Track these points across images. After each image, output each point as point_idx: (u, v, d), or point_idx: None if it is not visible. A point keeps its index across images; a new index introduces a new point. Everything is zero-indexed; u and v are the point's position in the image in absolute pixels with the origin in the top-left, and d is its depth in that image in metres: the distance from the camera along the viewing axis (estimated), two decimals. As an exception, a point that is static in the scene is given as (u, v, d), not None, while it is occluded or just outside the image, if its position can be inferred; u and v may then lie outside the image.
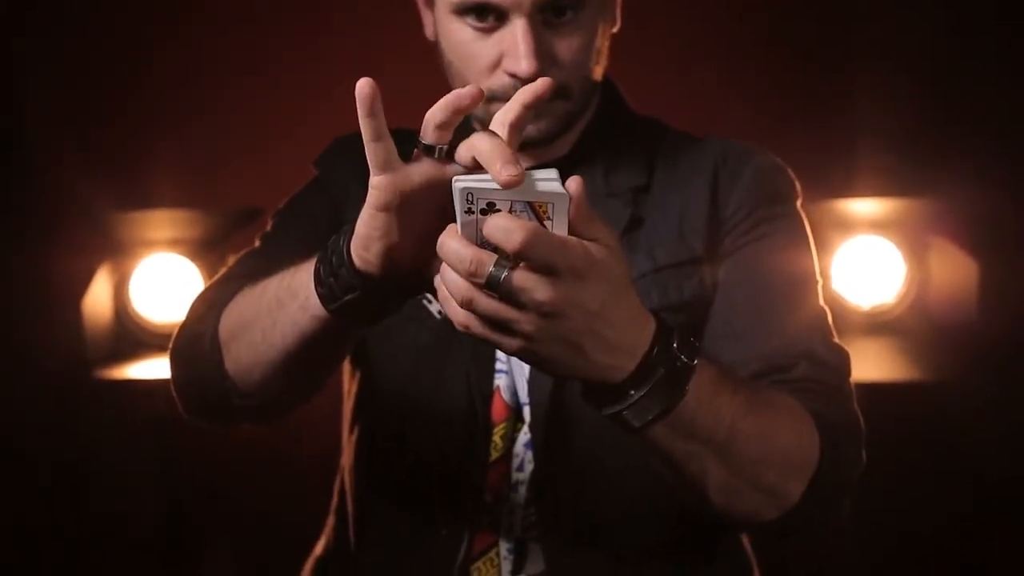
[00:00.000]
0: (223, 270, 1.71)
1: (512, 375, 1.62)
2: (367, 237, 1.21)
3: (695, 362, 1.18)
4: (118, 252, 2.93)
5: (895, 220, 2.94)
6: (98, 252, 2.90)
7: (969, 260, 2.85)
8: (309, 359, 1.43)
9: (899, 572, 2.91)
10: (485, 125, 1.65)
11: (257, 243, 1.77)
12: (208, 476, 2.90)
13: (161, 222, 2.92)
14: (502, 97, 1.58)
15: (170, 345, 1.60)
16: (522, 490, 1.62)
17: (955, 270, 2.88)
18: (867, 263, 2.92)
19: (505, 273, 1.08)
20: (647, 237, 1.65)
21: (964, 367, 2.76)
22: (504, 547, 1.62)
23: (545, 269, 1.07)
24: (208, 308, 1.55)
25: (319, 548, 1.83)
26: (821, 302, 1.63)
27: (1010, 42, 2.78)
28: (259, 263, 1.68)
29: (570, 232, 1.11)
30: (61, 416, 2.84)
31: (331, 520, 1.82)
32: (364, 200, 1.71)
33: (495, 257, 1.08)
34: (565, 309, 1.09)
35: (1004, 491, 2.81)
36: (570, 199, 1.11)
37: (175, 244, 2.93)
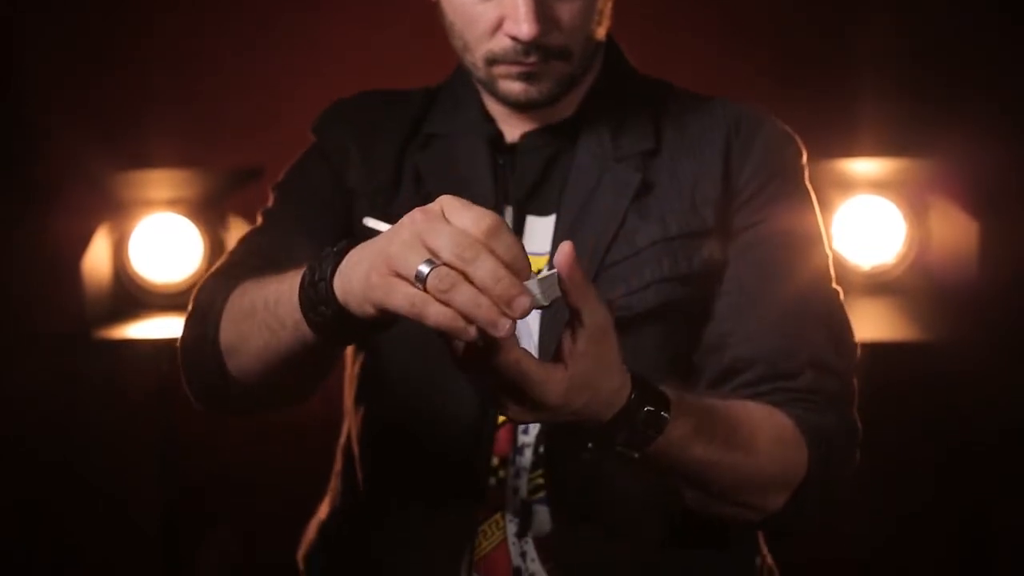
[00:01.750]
0: (225, 256, 1.71)
1: (518, 338, 1.61)
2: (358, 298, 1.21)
3: (659, 430, 1.28)
4: (117, 212, 2.92)
5: (895, 180, 2.93)
6: (97, 212, 2.89)
7: (969, 220, 2.84)
8: (310, 368, 1.50)
9: (897, 531, 2.92)
10: (488, 88, 1.65)
11: (259, 220, 1.77)
12: (208, 435, 2.91)
13: (160, 181, 2.91)
14: (503, 60, 1.59)
15: (179, 338, 1.61)
16: (528, 453, 1.62)
17: (955, 230, 2.87)
18: (867, 223, 2.91)
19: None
20: (658, 204, 1.64)
21: (964, 327, 2.76)
22: (510, 509, 1.62)
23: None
24: (210, 304, 1.55)
25: (323, 511, 1.83)
26: (833, 284, 1.65)
27: (1011, 1, 2.77)
28: (262, 244, 1.69)
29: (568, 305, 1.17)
30: (60, 376, 2.84)
31: (335, 483, 1.82)
32: (363, 164, 1.71)
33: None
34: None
35: (1003, 450, 2.82)
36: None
37: (174, 204, 2.92)
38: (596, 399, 1.23)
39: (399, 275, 1.12)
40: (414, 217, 1.13)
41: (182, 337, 1.60)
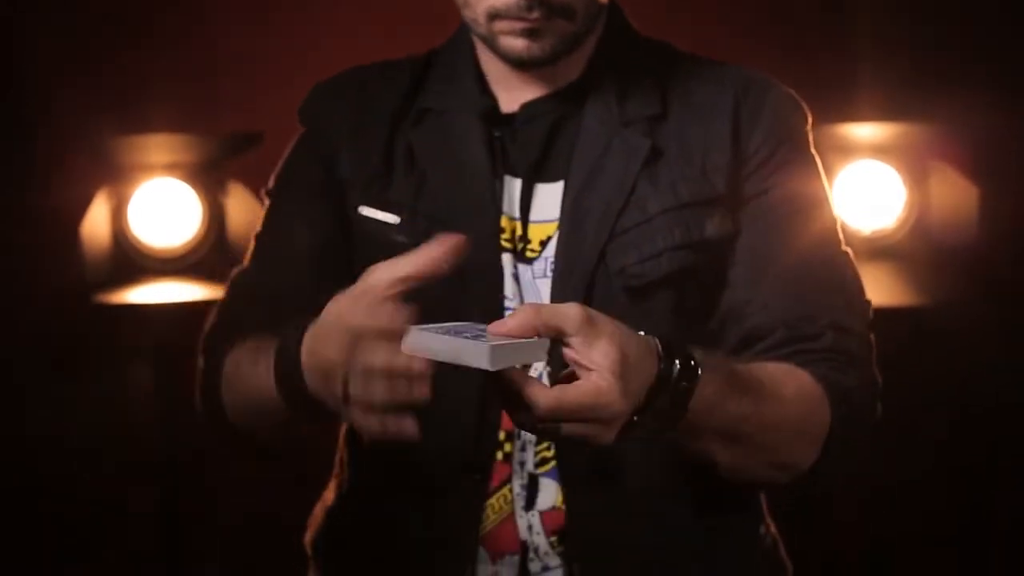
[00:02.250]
0: (222, 302, 1.71)
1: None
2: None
3: (695, 382, 1.27)
4: (116, 177, 2.91)
5: (895, 144, 2.93)
6: (96, 177, 2.89)
7: (969, 184, 2.85)
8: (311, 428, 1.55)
9: (895, 493, 2.93)
10: (489, 44, 1.63)
11: (251, 245, 1.74)
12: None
13: (160, 146, 2.90)
14: (505, 15, 1.56)
15: (197, 405, 1.66)
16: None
17: (955, 194, 2.87)
18: (867, 188, 2.91)
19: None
20: (668, 171, 1.62)
21: (964, 291, 2.77)
22: (517, 483, 1.62)
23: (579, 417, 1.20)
24: (212, 381, 1.61)
25: (329, 496, 1.81)
26: (843, 247, 1.65)
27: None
28: (257, 287, 1.69)
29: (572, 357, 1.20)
30: (60, 341, 2.84)
31: (340, 468, 1.81)
32: (354, 150, 1.69)
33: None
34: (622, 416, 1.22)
35: (1003, 414, 2.83)
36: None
37: (173, 168, 2.91)
38: (640, 372, 1.23)
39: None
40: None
41: (198, 389, 1.65)
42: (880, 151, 2.92)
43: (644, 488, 1.64)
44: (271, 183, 1.77)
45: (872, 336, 1.62)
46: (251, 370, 1.46)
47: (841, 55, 2.83)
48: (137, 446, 3.00)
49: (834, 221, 1.67)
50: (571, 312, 1.19)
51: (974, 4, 2.82)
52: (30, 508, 2.88)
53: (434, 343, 1.18)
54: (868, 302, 1.64)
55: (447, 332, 1.18)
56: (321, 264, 1.65)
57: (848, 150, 2.90)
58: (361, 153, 1.69)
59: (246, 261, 1.74)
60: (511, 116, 1.67)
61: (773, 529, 1.78)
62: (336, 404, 1.22)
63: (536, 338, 1.18)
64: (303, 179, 1.74)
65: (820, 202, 1.67)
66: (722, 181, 1.63)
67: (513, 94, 1.68)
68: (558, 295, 1.58)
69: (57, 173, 2.78)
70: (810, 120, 1.71)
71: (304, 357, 1.29)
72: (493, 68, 1.69)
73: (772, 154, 1.65)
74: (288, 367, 1.33)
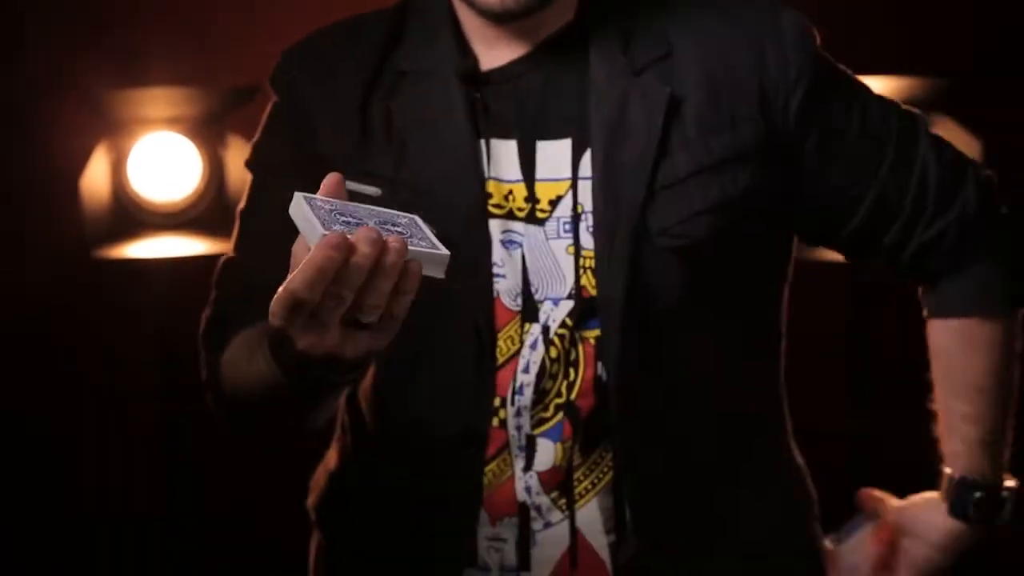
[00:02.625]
0: (213, 295, 1.70)
1: (516, 276, 1.59)
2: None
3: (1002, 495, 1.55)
4: (115, 131, 2.90)
5: (898, 98, 2.90)
6: (95, 131, 2.88)
7: (972, 139, 2.84)
8: (319, 416, 1.54)
9: (905, 431, 2.93)
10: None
11: (236, 225, 1.72)
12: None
13: (158, 100, 2.90)
14: None
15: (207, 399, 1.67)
16: (528, 392, 1.59)
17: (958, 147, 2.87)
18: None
19: None
20: (694, 123, 1.56)
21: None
22: (515, 446, 1.61)
23: None
24: (212, 378, 1.62)
25: (331, 460, 1.81)
26: (909, 112, 1.68)
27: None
28: (242, 274, 1.67)
29: None
30: (60, 296, 2.84)
31: (342, 432, 1.81)
32: (329, 121, 1.63)
33: None
34: None
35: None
36: None
37: (173, 122, 2.90)
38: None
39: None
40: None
41: (207, 400, 1.66)
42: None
43: (666, 421, 1.63)
44: (249, 155, 1.73)
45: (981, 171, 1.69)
46: (248, 359, 1.46)
47: (843, 8, 2.81)
48: (137, 401, 3.00)
49: (887, 99, 1.68)
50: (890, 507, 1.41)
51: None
52: (28, 463, 2.88)
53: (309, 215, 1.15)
54: (958, 150, 1.69)
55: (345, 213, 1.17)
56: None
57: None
58: (336, 124, 1.62)
59: (232, 246, 1.71)
60: (493, 73, 1.60)
61: (799, 459, 1.77)
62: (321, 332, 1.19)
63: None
64: (278, 157, 1.69)
65: (869, 93, 1.66)
66: (752, 131, 1.57)
67: (494, 51, 1.60)
68: (603, 261, 1.55)
69: (56, 127, 2.78)
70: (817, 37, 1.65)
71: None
72: (471, 23, 1.60)
73: (812, 81, 1.59)
74: (280, 343, 1.31)
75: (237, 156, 2.90)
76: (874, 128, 1.62)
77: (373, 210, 1.20)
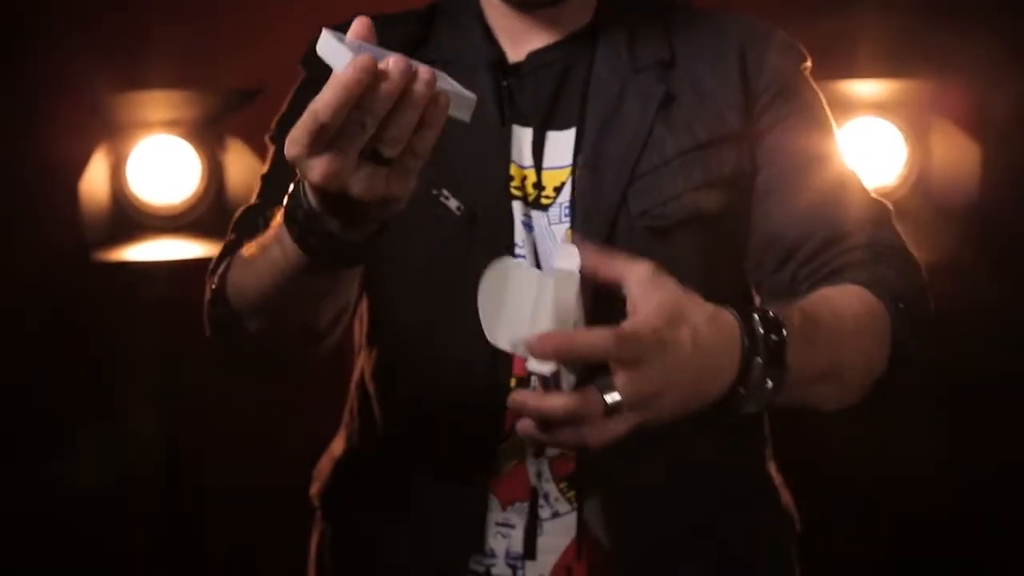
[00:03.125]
0: (228, 235, 1.70)
1: (531, 257, 1.61)
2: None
3: (784, 333, 1.25)
4: (115, 134, 2.91)
5: (896, 101, 2.92)
6: (95, 134, 2.88)
7: (971, 142, 2.84)
8: (333, 306, 1.51)
9: (895, 452, 2.93)
10: None
11: (258, 185, 1.75)
12: (207, 356, 2.91)
13: (158, 103, 2.90)
14: None
15: (207, 330, 1.63)
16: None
17: (957, 152, 2.87)
18: (868, 145, 2.91)
19: (616, 396, 1.14)
20: (684, 114, 1.65)
21: (965, 250, 2.77)
22: None
23: (633, 361, 1.14)
24: (219, 292, 1.57)
25: (337, 448, 1.82)
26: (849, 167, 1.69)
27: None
28: (259, 217, 1.64)
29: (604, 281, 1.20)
30: (59, 299, 2.84)
31: (349, 420, 1.81)
32: None
33: (596, 391, 1.14)
34: (671, 380, 1.17)
35: (1003, 371, 2.83)
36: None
37: (172, 125, 2.91)
38: (714, 335, 1.21)
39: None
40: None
41: (209, 329, 1.63)
42: (881, 108, 2.92)
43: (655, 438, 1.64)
44: (273, 127, 1.77)
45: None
46: (260, 254, 1.44)
47: (842, 10, 2.81)
48: (136, 404, 3.00)
49: (840, 146, 1.71)
50: (639, 268, 1.19)
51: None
52: (26, 467, 2.88)
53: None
54: (885, 204, 1.67)
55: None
56: None
57: (849, 107, 2.89)
58: None
59: (252, 199, 1.74)
60: (518, 66, 1.69)
61: (779, 480, 1.80)
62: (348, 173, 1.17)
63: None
64: None
65: (831, 129, 1.70)
66: (736, 118, 1.65)
67: (519, 44, 1.69)
68: (579, 240, 1.57)
69: (55, 130, 2.77)
70: (809, 64, 1.75)
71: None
72: (498, 18, 1.70)
73: (782, 90, 1.68)
74: (296, 203, 1.29)
75: (236, 159, 2.90)
76: (814, 149, 1.67)
77: (401, 56, 1.17)
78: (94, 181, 2.88)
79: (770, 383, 1.25)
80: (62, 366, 2.89)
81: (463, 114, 1.18)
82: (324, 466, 1.83)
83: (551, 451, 1.63)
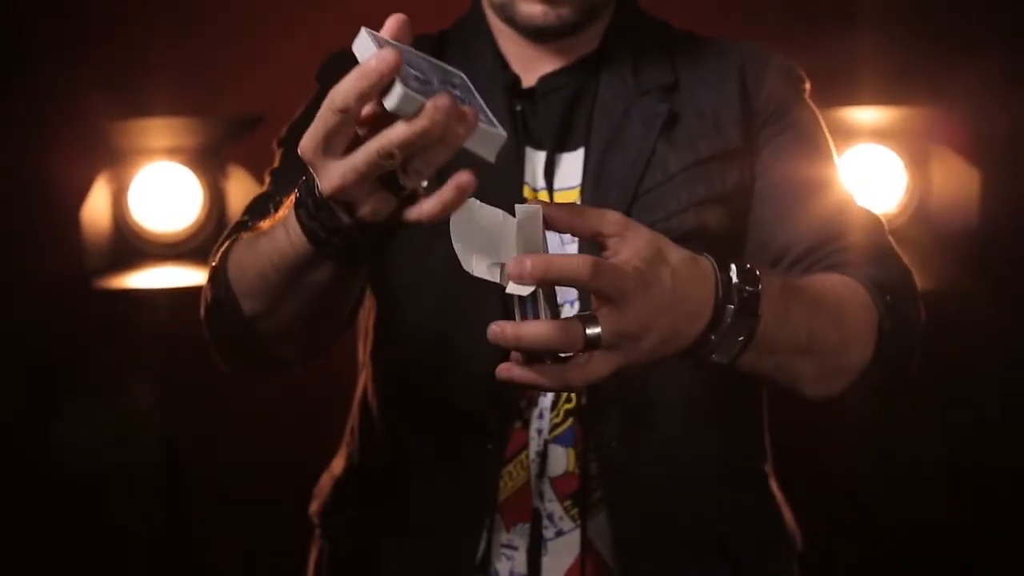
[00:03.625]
0: (237, 220, 1.69)
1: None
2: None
3: (759, 287, 1.24)
4: (116, 161, 2.91)
5: (897, 128, 2.93)
6: (96, 161, 2.88)
7: (970, 168, 2.84)
8: (332, 302, 1.48)
9: (897, 478, 2.93)
10: (506, 13, 1.68)
11: (267, 179, 1.75)
12: (208, 384, 2.91)
13: (160, 130, 2.90)
14: None
15: (201, 311, 1.59)
16: (550, 394, 1.63)
17: (957, 179, 2.87)
18: (868, 172, 2.91)
19: (597, 329, 1.13)
20: (686, 132, 1.68)
21: (965, 276, 2.77)
22: (533, 450, 1.63)
23: (615, 296, 1.13)
24: (219, 268, 1.54)
25: (337, 467, 1.82)
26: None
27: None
28: (271, 202, 1.66)
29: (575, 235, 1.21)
30: (60, 326, 2.84)
31: (351, 438, 1.81)
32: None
33: (577, 322, 1.13)
34: (651, 320, 1.16)
35: (1003, 397, 2.83)
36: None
37: (174, 152, 2.91)
38: (691, 280, 1.20)
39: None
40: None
41: (204, 308, 1.59)
42: (881, 135, 2.92)
43: (665, 436, 1.66)
44: (283, 132, 1.78)
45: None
46: (264, 235, 1.42)
47: (842, 38, 2.82)
48: (136, 431, 3.00)
49: (836, 165, 1.73)
50: (610, 214, 1.18)
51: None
52: (28, 494, 2.87)
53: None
54: (877, 215, 1.67)
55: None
56: None
57: (849, 134, 2.90)
58: None
59: (263, 187, 1.75)
60: (531, 90, 1.71)
61: (780, 496, 1.81)
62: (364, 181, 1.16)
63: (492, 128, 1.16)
64: None
65: (828, 148, 1.73)
66: (737, 134, 1.68)
67: (530, 70, 1.73)
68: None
69: (57, 158, 2.77)
70: (807, 84, 1.79)
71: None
72: (510, 46, 1.74)
73: (780, 107, 1.71)
74: (311, 203, 1.26)
75: (238, 186, 2.91)
76: (810, 163, 1.69)
77: (431, 62, 1.17)
78: (96, 208, 2.88)
79: (741, 334, 1.24)
80: (63, 392, 2.88)
81: (489, 152, 1.17)
82: (324, 484, 1.84)
83: (552, 471, 1.63)
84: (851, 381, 1.45)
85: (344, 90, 1.10)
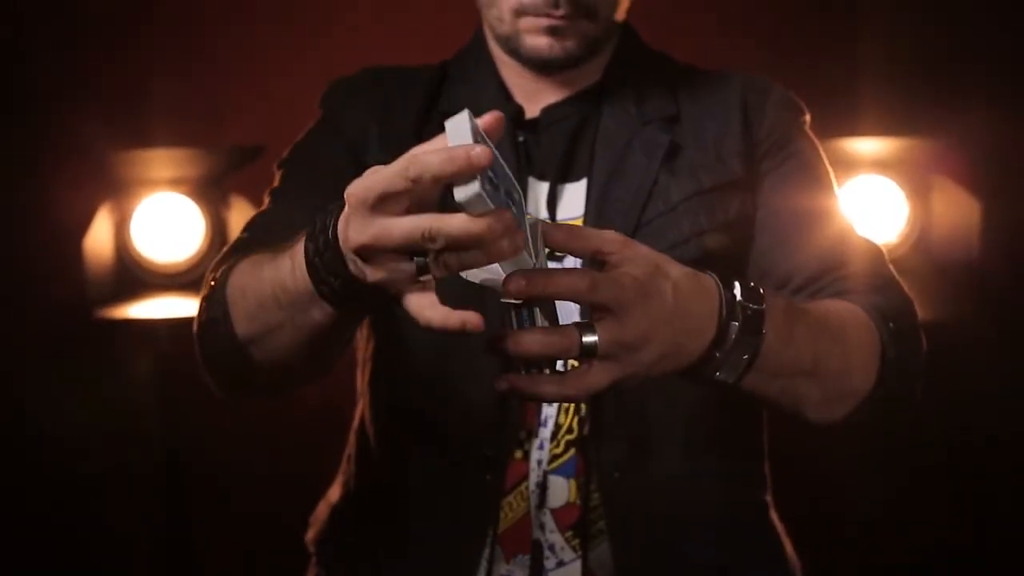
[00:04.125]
0: (234, 239, 1.67)
1: (553, 310, 1.62)
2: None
3: (764, 305, 1.24)
4: (119, 191, 2.92)
5: (897, 159, 2.93)
6: (99, 192, 2.89)
7: (972, 199, 2.85)
8: (335, 339, 1.45)
9: (897, 508, 2.92)
10: (511, 45, 1.67)
11: (266, 200, 1.75)
12: (210, 415, 2.91)
13: (162, 161, 2.91)
14: (531, 11, 1.64)
15: (194, 327, 1.57)
16: (551, 423, 1.63)
17: (958, 209, 2.87)
18: (870, 203, 2.91)
19: (594, 337, 1.13)
20: (688, 162, 1.69)
21: (966, 306, 2.77)
22: (533, 481, 1.63)
23: (614, 307, 1.12)
24: (219, 286, 1.52)
25: (334, 495, 1.82)
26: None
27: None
28: (270, 222, 1.67)
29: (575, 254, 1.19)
30: (62, 356, 2.84)
31: (348, 467, 1.81)
32: (382, 141, 1.71)
33: (574, 328, 1.13)
34: (650, 332, 1.15)
35: (1003, 429, 2.82)
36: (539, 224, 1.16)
37: (176, 183, 2.91)
38: (694, 297, 1.20)
39: (376, 246, 1.12)
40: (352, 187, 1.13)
41: (197, 326, 1.57)
42: (882, 166, 2.92)
43: (666, 466, 1.66)
44: (285, 154, 1.78)
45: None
46: (270, 261, 1.39)
47: (843, 69, 2.82)
48: (139, 462, 2.99)
49: (836, 195, 1.73)
50: (608, 233, 1.17)
51: (976, 19, 2.82)
52: (32, 525, 2.87)
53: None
54: (877, 245, 1.67)
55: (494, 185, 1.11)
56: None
57: (850, 165, 2.90)
58: (390, 143, 1.67)
59: (264, 206, 1.74)
60: (534, 121, 1.72)
61: (781, 528, 1.80)
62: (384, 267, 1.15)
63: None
64: (324, 146, 1.76)
65: (828, 178, 1.73)
66: (738, 165, 1.69)
67: (533, 101, 1.74)
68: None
69: (59, 188, 2.78)
70: (807, 116, 1.79)
71: (341, 225, 1.19)
72: (513, 77, 1.75)
73: (781, 137, 1.72)
74: (322, 240, 1.24)
75: (240, 217, 2.91)
76: (811, 192, 1.70)
77: (504, 169, 1.15)
78: (98, 238, 2.88)
79: (746, 352, 1.23)
80: (64, 422, 2.88)
81: (508, 268, 1.14)
82: (321, 512, 1.83)
83: (553, 502, 1.62)
84: (854, 406, 1.44)
85: (425, 164, 1.06)
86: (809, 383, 1.37)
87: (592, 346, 1.13)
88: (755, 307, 1.23)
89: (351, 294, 1.24)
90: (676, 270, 1.19)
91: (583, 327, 1.13)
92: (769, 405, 1.42)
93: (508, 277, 1.11)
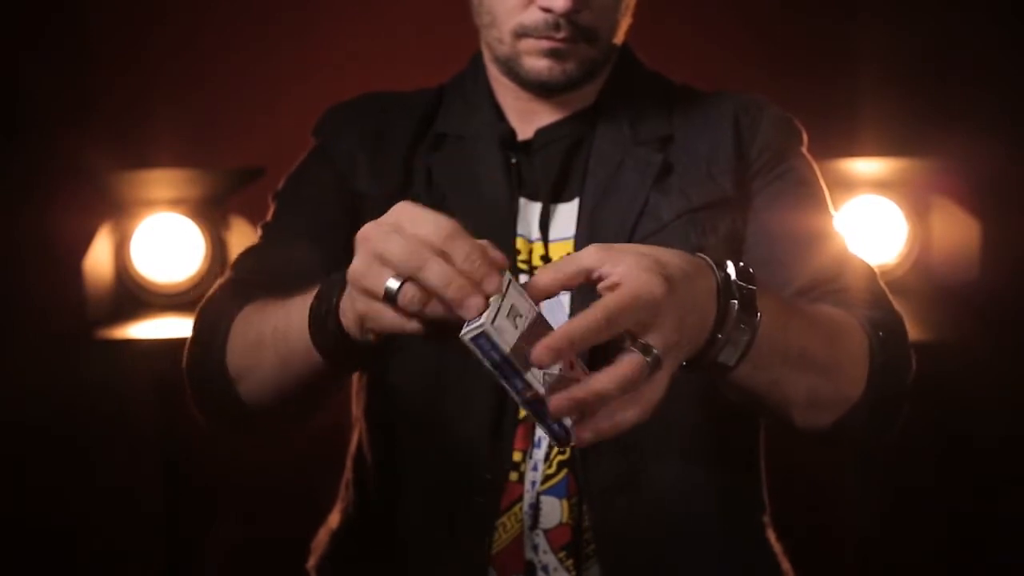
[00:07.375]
0: (227, 273, 1.69)
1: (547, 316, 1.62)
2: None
3: (755, 287, 1.24)
4: (119, 212, 2.92)
5: (897, 180, 2.93)
6: (98, 212, 2.89)
7: (971, 220, 2.85)
8: (324, 389, 1.50)
9: (896, 527, 2.92)
10: (511, 67, 1.67)
11: (259, 233, 1.76)
12: (208, 437, 2.91)
13: (162, 181, 2.91)
14: (533, 33, 1.64)
15: (183, 363, 1.59)
16: (544, 444, 1.63)
17: (957, 230, 2.88)
18: (869, 223, 2.91)
19: (654, 349, 1.13)
20: (679, 181, 1.69)
21: (966, 327, 2.77)
22: (527, 502, 1.62)
23: (650, 318, 1.13)
24: (214, 328, 1.54)
25: (334, 520, 1.82)
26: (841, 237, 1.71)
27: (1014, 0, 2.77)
28: (265, 259, 1.69)
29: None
30: (61, 376, 2.84)
31: (346, 492, 1.81)
32: (372, 169, 1.71)
33: (632, 353, 1.13)
34: (680, 320, 1.16)
35: (1004, 449, 2.82)
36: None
37: (176, 204, 2.92)
38: (690, 279, 1.19)
39: (378, 297, 1.15)
40: (366, 232, 1.15)
41: (187, 357, 1.59)
42: (882, 186, 2.93)
43: (660, 486, 1.65)
44: (280, 186, 1.80)
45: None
46: (267, 320, 1.43)
47: (843, 90, 2.83)
48: (138, 483, 2.99)
49: (831, 214, 1.72)
50: (582, 251, 1.17)
51: (974, 38, 2.83)
52: (31, 544, 2.86)
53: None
54: (869, 264, 1.66)
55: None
56: (331, 244, 1.62)
57: (850, 185, 2.90)
58: (379, 175, 1.73)
59: (257, 240, 1.76)
60: (527, 143, 1.73)
61: (778, 548, 1.79)
62: (384, 322, 1.18)
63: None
64: (316, 178, 1.78)
65: (823, 198, 1.73)
66: (729, 183, 1.69)
67: (527, 123, 1.74)
68: (579, 306, 1.58)
69: (60, 208, 2.78)
70: (804, 136, 1.79)
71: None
72: (508, 99, 1.76)
73: (774, 156, 1.72)
74: (328, 306, 1.29)
75: (239, 237, 2.91)
76: (804, 208, 1.70)
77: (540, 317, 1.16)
78: (98, 259, 2.89)
79: (746, 334, 1.23)
80: (63, 443, 2.88)
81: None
82: (321, 539, 1.83)
83: (546, 523, 1.62)
84: (841, 414, 1.44)
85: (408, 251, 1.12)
86: (799, 379, 1.37)
87: (657, 359, 1.13)
88: (750, 287, 1.24)
89: (349, 352, 1.30)
90: (669, 256, 1.19)
91: (633, 350, 1.13)
92: (758, 405, 1.42)
93: (534, 355, 1.10)
